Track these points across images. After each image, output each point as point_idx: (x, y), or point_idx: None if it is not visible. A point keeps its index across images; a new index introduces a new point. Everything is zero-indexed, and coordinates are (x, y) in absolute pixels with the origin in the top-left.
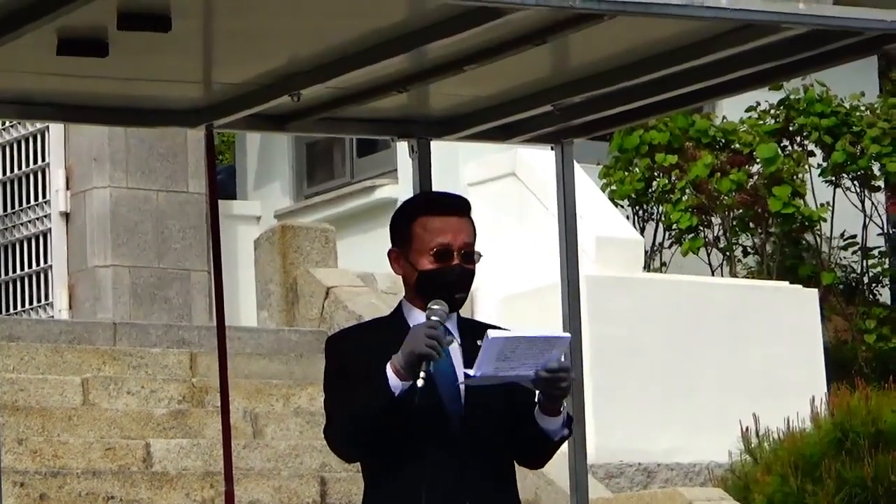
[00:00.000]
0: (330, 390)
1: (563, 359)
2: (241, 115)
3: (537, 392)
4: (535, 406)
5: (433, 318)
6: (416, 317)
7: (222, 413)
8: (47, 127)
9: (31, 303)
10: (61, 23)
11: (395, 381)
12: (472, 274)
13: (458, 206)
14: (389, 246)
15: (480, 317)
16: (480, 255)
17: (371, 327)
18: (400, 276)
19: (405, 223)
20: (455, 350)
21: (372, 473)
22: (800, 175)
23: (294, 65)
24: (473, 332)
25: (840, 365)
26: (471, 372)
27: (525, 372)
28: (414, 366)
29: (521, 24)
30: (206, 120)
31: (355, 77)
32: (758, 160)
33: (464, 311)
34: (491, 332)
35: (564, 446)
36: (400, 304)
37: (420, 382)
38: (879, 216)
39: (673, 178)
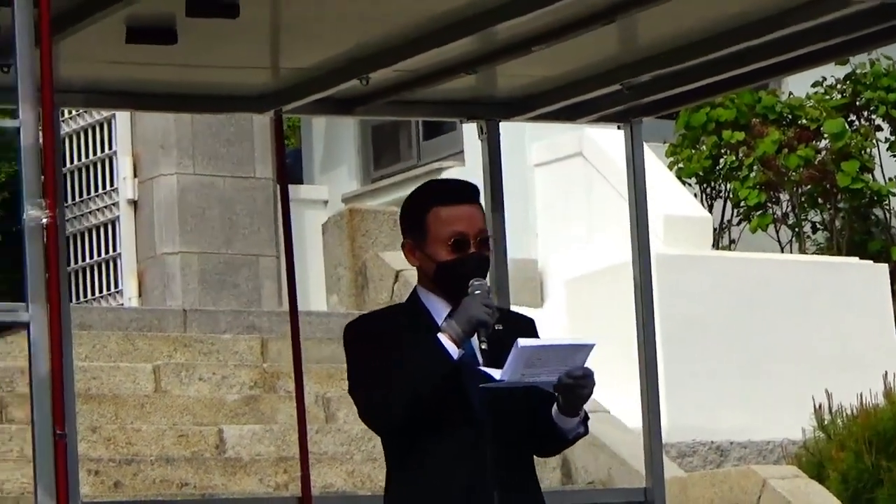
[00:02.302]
0: (365, 370)
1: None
2: (310, 99)
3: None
4: (548, 400)
5: (477, 291)
6: (435, 305)
7: (297, 398)
8: (113, 115)
9: (101, 291)
10: (130, 11)
11: (452, 348)
12: (488, 260)
13: (468, 194)
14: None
15: (549, 299)
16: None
17: (391, 312)
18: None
19: (418, 215)
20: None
21: (397, 455)
22: (868, 150)
23: (362, 48)
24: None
25: None
26: (496, 376)
27: (548, 378)
28: (471, 332)
29: (589, 2)
30: (275, 105)
31: (424, 59)
32: (825, 135)
33: (533, 292)
34: (521, 341)
35: (639, 424)
36: (415, 292)
37: (484, 346)
38: None
39: (740, 154)
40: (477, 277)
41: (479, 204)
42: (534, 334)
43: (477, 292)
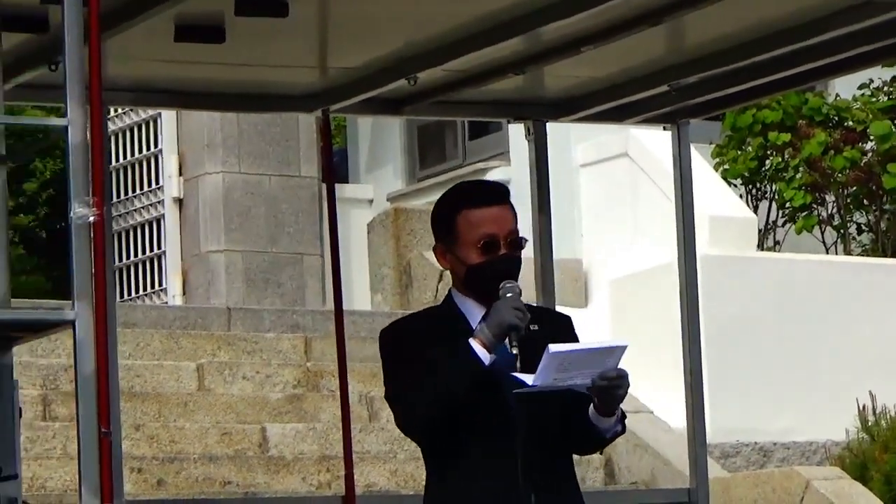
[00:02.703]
0: (400, 376)
1: (619, 365)
2: (357, 99)
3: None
4: (584, 401)
5: (509, 294)
6: (469, 308)
7: (341, 398)
8: (159, 113)
9: (145, 289)
10: (179, 9)
11: (483, 353)
12: (520, 261)
13: (498, 195)
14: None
15: (594, 299)
16: (526, 240)
17: (426, 316)
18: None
19: (448, 218)
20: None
21: (437, 459)
22: None
23: (410, 48)
24: (532, 316)
25: None
26: (529, 381)
27: (582, 381)
28: (502, 337)
29: (637, 4)
30: (322, 104)
31: (471, 60)
32: (871, 137)
33: (578, 292)
34: (552, 347)
35: (682, 424)
36: (450, 295)
37: (515, 350)
38: None
39: (786, 156)
40: (508, 280)
41: (509, 204)
42: (571, 333)
43: (509, 295)
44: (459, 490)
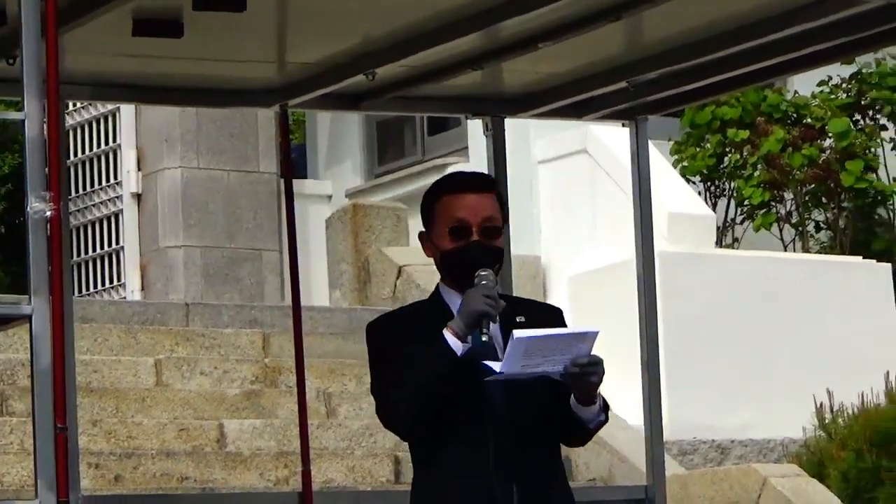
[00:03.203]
0: (383, 371)
1: (591, 352)
2: (315, 94)
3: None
4: (566, 392)
5: (483, 282)
6: (453, 299)
7: (298, 394)
8: (118, 108)
9: (103, 284)
10: (137, 4)
11: (455, 343)
12: (496, 250)
13: (477, 183)
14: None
15: (552, 296)
16: (503, 228)
17: (412, 310)
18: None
19: (428, 204)
20: (495, 331)
21: (420, 453)
22: (872, 149)
23: (368, 44)
24: (514, 307)
25: None
26: (496, 368)
27: (553, 367)
28: (473, 325)
29: (596, 0)
30: (280, 100)
31: (429, 55)
32: (830, 135)
33: (537, 288)
34: (516, 332)
35: (640, 422)
36: (438, 288)
37: (485, 338)
38: None
39: (745, 153)
40: (483, 269)
41: (492, 194)
42: (561, 325)
43: (483, 283)
44: (440, 485)
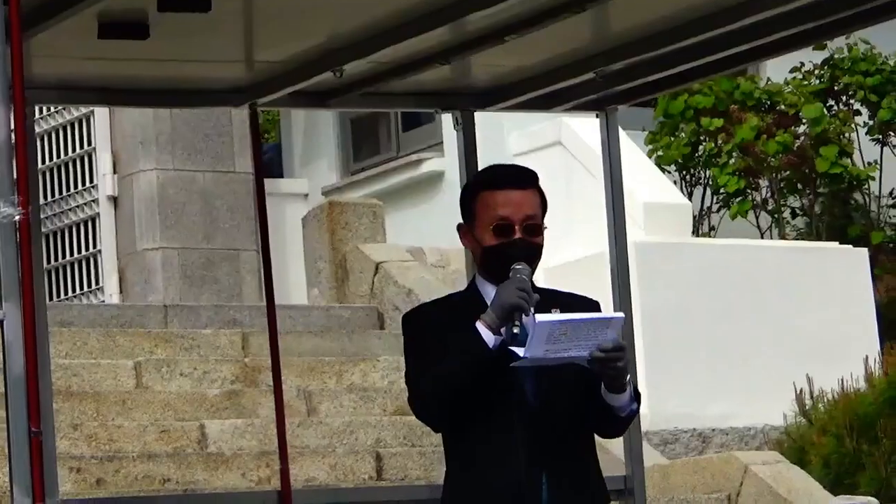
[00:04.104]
0: (415, 361)
1: (618, 338)
2: (284, 92)
3: None
4: (598, 382)
5: (517, 276)
6: (489, 291)
7: (275, 392)
8: (92, 111)
9: (81, 288)
10: (102, 6)
11: (488, 335)
12: (537, 247)
13: (519, 179)
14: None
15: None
16: (545, 227)
17: (447, 302)
18: (469, 252)
19: (469, 199)
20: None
21: (451, 443)
22: (846, 134)
23: (335, 40)
24: (551, 300)
25: (893, 324)
26: (521, 353)
27: (579, 353)
28: (506, 318)
29: None
30: (250, 99)
31: (397, 51)
32: (804, 121)
33: None
34: (538, 316)
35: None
36: (474, 280)
37: (516, 330)
38: None
39: (719, 141)
40: (519, 262)
41: (534, 190)
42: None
43: (518, 276)
44: (471, 477)
